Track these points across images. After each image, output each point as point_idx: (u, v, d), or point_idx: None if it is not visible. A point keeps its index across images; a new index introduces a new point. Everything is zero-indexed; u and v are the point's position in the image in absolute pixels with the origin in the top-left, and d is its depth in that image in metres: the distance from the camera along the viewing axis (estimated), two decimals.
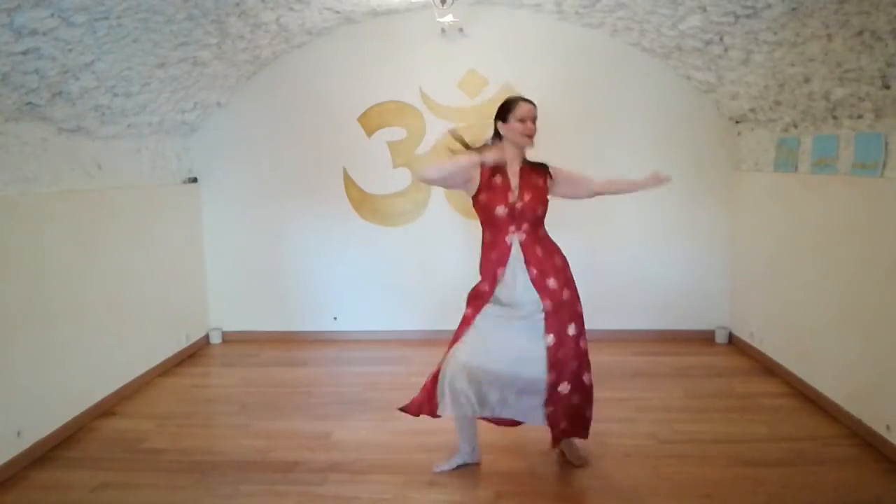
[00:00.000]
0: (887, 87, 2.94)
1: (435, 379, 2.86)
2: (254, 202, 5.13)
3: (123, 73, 3.52)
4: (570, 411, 2.91)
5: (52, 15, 2.68)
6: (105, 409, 3.85)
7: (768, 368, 4.34)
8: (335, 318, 5.23)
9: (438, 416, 2.86)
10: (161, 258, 4.57)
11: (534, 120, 2.84)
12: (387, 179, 5.06)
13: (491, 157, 2.78)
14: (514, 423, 3.04)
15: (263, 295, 5.23)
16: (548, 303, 2.82)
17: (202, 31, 3.69)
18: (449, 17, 4.31)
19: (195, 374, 4.57)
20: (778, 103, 3.96)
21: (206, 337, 5.22)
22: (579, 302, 2.95)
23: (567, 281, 2.91)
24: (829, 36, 3.03)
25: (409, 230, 5.12)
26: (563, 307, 2.86)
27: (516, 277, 2.82)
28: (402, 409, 2.98)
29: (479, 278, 2.92)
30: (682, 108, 4.85)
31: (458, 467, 3.09)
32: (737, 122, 4.80)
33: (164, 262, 4.60)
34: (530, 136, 2.85)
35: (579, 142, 4.92)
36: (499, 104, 2.93)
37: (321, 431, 3.53)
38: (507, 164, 2.87)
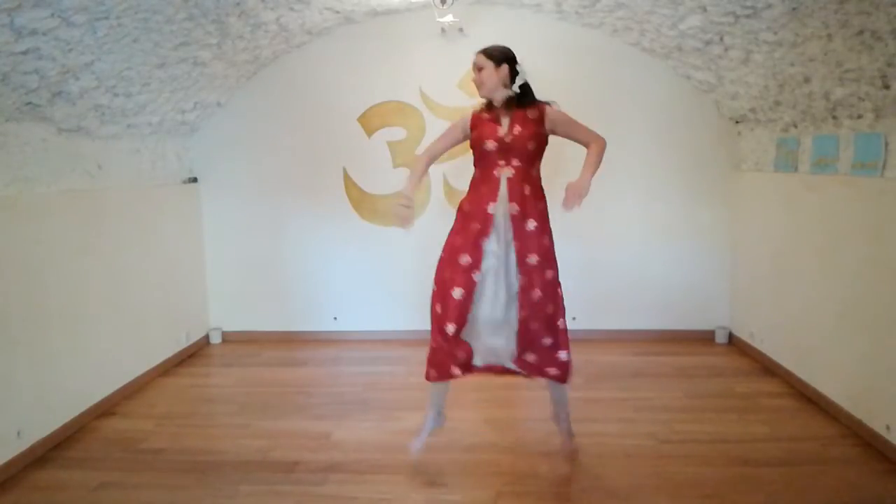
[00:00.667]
0: (887, 87, 2.94)
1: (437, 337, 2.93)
2: (254, 202, 5.13)
3: (123, 73, 3.52)
4: (542, 352, 2.92)
5: (52, 15, 2.68)
6: (105, 409, 3.85)
7: (768, 368, 4.34)
8: (335, 318, 5.23)
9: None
10: (161, 258, 4.56)
11: (479, 69, 2.89)
12: (387, 179, 5.05)
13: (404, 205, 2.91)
14: (499, 370, 3.04)
15: (263, 295, 5.23)
16: (519, 244, 2.84)
17: (202, 31, 3.69)
18: (449, 17, 4.31)
19: (195, 374, 4.57)
20: (778, 103, 3.96)
21: (206, 337, 5.22)
22: (554, 251, 2.96)
23: (545, 226, 2.92)
24: (829, 36, 3.03)
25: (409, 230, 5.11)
26: (537, 250, 2.86)
27: (500, 212, 2.85)
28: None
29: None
30: (682, 108, 4.85)
31: (431, 435, 3.11)
32: (737, 122, 4.80)
33: (164, 262, 4.60)
34: (478, 87, 2.91)
35: None
36: None
37: (321, 431, 3.53)
38: (497, 105, 2.92)
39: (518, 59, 2.92)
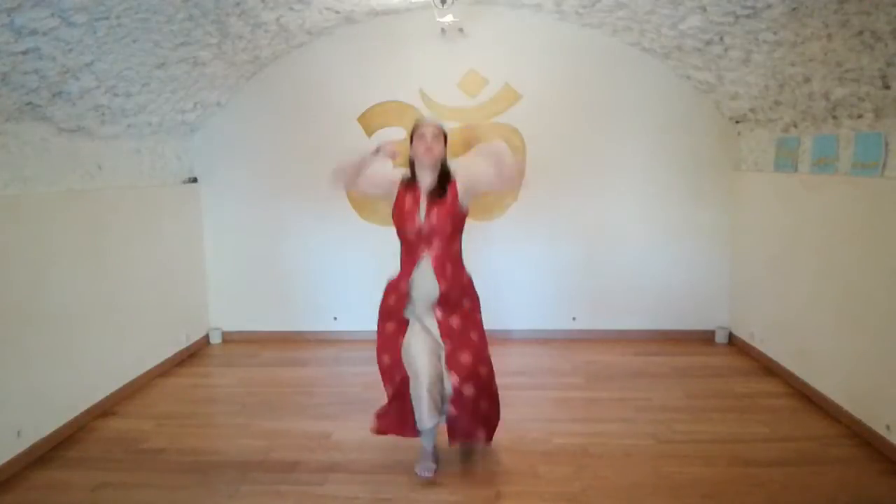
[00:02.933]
0: (887, 87, 2.94)
1: (400, 399, 3.00)
2: (254, 202, 5.13)
3: (123, 73, 3.52)
4: (476, 414, 2.97)
5: (52, 15, 2.68)
6: (105, 409, 3.85)
7: (768, 368, 4.34)
8: (335, 318, 5.23)
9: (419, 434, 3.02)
10: (161, 258, 4.57)
11: (435, 137, 2.85)
12: None
13: (387, 150, 2.84)
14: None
15: (263, 295, 5.23)
16: (441, 313, 2.92)
17: (202, 31, 3.69)
18: (449, 17, 4.31)
19: (195, 374, 4.57)
20: (778, 103, 3.96)
21: (206, 337, 5.22)
22: (479, 311, 3.04)
23: (469, 295, 3.00)
24: (829, 36, 3.03)
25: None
26: (460, 315, 2.94)
27: (424, 289, 2.90)
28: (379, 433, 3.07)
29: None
30: (682, 108, 4.85)
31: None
32: (737, 122, 4.80)
33: (164, 262, 4.60)
34: (427, 153, 2.85)
35: (579, 142, 4.92)
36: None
37: (321, 431, 3.54)
38: (419, 183, 2.91)
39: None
